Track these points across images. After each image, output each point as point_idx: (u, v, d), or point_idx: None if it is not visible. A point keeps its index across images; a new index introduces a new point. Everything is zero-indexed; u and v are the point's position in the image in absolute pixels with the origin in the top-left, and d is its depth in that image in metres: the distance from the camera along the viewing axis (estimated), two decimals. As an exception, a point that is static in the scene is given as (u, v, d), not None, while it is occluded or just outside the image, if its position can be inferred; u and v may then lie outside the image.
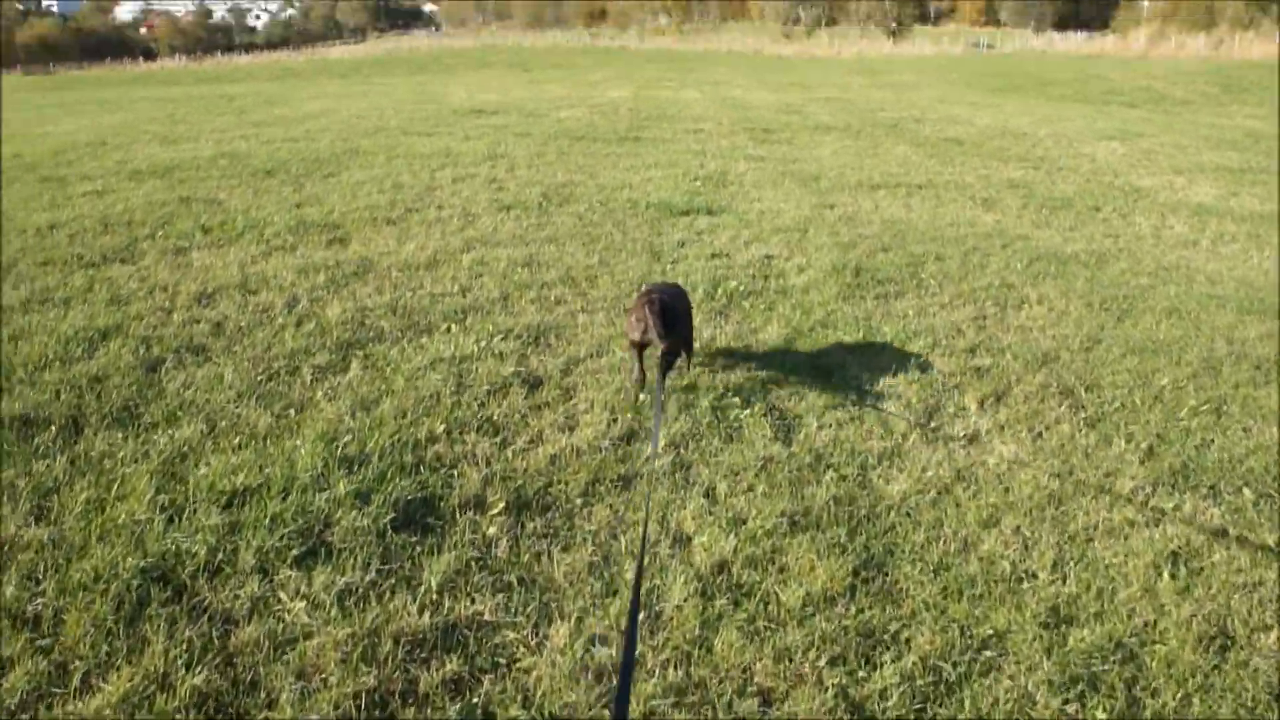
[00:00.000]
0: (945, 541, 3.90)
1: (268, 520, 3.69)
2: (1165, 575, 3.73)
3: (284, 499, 3.86)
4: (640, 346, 4.87)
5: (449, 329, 5.83)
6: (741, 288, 6.94)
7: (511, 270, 7.06)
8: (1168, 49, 57.01)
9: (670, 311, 4.69)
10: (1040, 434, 4.93)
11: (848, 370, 5.58)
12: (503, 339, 5.70)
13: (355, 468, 4.15)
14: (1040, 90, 38.08)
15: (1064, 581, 3.69)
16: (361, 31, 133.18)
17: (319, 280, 6.63)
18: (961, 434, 4.86)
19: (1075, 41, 68.89)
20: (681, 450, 4.50)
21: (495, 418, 4.72)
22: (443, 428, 4.57)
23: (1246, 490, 4.42)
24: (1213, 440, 4.91)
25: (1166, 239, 10.00)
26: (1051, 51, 64.91)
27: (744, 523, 3.93)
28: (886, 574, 3.68)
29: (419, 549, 3.65)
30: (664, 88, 30.05)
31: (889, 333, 6.20)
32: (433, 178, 10.79)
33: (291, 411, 4.69)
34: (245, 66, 69.85)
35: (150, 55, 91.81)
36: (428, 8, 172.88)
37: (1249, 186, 13.75)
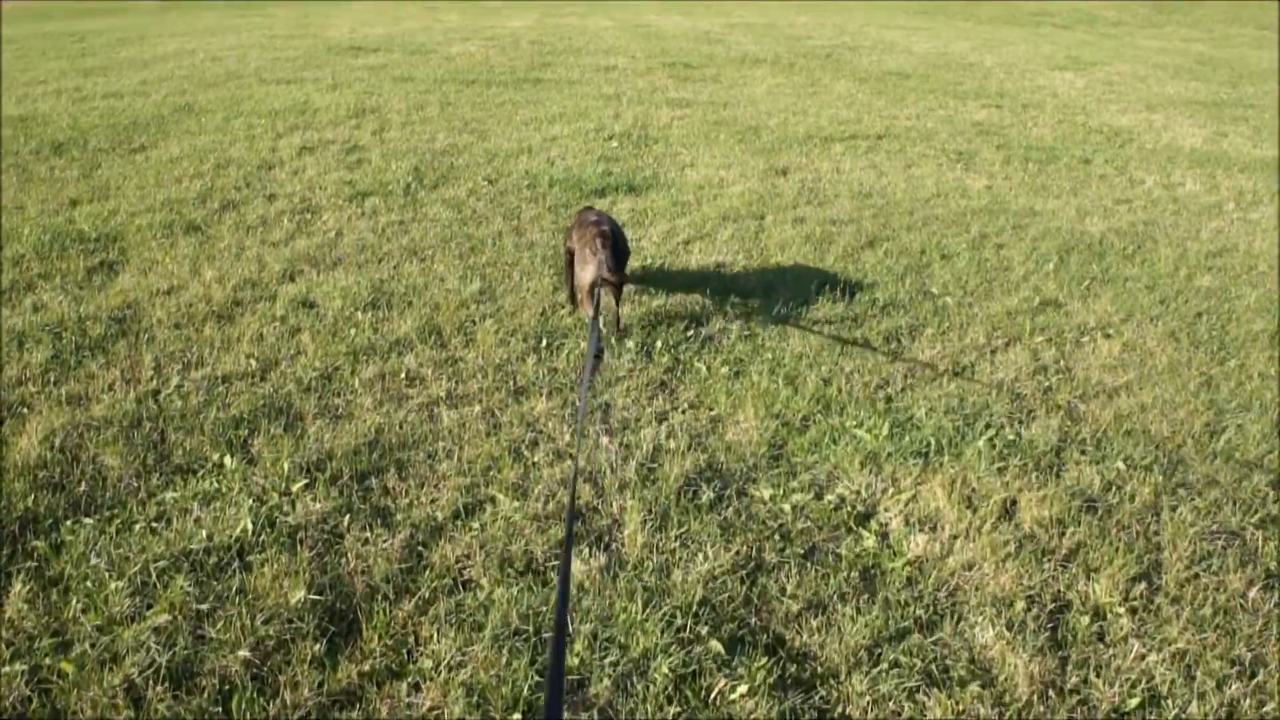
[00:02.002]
0: None
1: None
2: None
3: None
4: (594, 285, 4.39)
5: (217, 465, 3.46)
6: (688, 335, 4.67)
7: (346, 318, 4.71)
8: (1091, -35, 55.15)
9: (621, 244, 4.58)
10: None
11: (884, 530, 3.35)
12: (306, 484, 3.36)
13: None
14: (968, 11, 36.03)
15: None
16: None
17: (33, 360, 4.19)
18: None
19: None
20: None
21: None
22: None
23: None
24: None
25: (1185, 203, 8.22)
26: (970, -32, 62.69)
27: None
28: None
29: None
30: (570, 15, 27.21)
31: (922, 417, 4.01)
32: (274, 148, 8.26)
33: None
34: (126, -4, 64.69)
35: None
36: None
37: (1231, 124, 12.40)
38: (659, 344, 4.61)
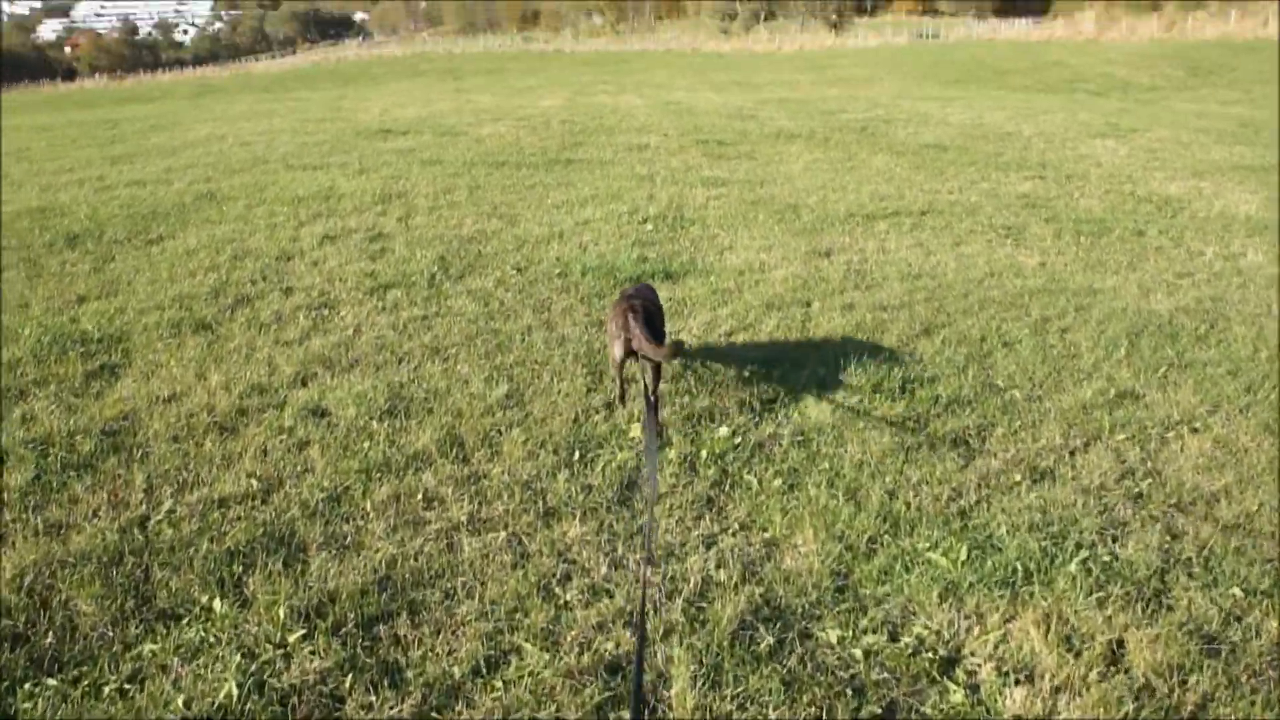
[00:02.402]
0: None
1: None
2: None
3: None
4: (623, 362, 4.35)
5: (205, 610, 3.03)
6: (735, 442, 4.22)
7: (360, 428, 4.30)
8: (1119, 32, 55.25)
9: (654, 317, 4.41)
10: None
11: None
12: (305, 634, 2.93)
13: None
14: (999, 80, 35.92)
15: None
16: (291, 43, 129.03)
17: (13, 483, 3.81)
18: None
19: (1021, 28, 66.97)
20: None
21: None
22: None
23: None
24: None
25: (1250, 275, 7.76)
26: (998, 39, 63.01)
27: None
28: None
29: None
30: (601, 93, 27.24)
31: (1003, 536, 3.53)
32: (295, 237, 7.95)
33: None
34: (166, 84, 65.87)
35: (71, 75, 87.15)
36: (358, 15, 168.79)
37: None
38: (704, 454, 4.16)
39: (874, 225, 9.04)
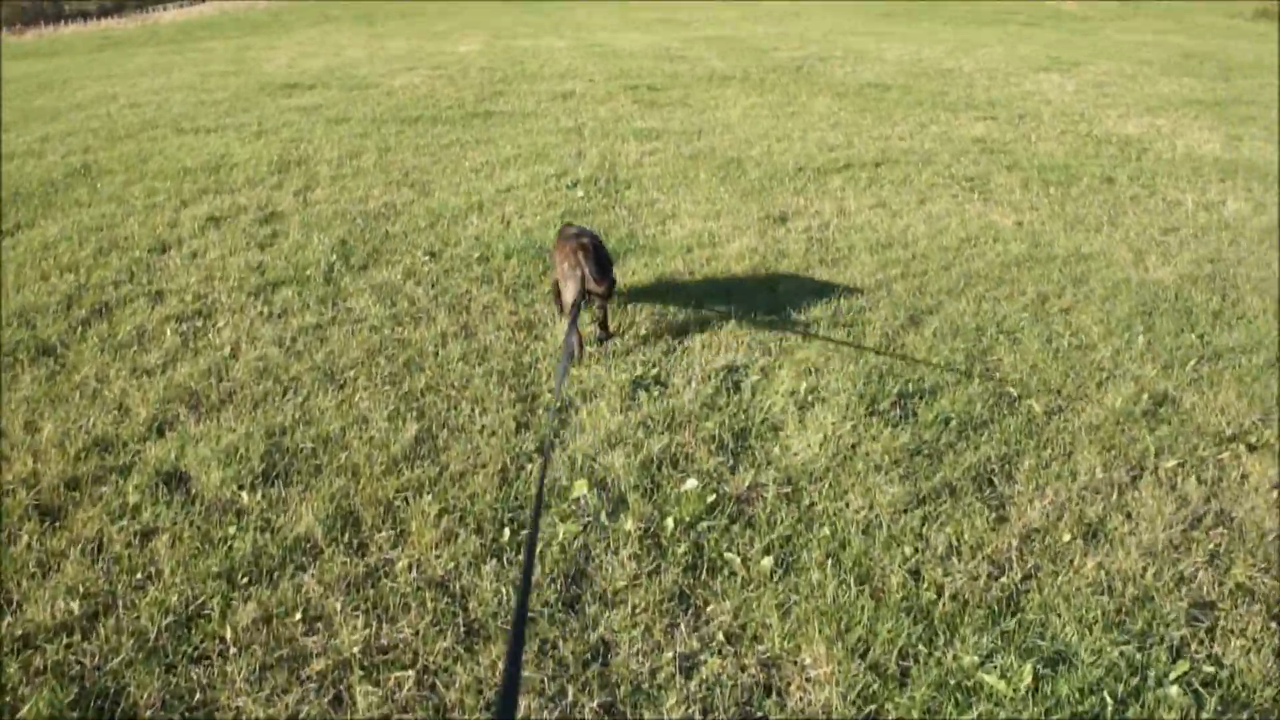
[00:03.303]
0: None
1: None
2: None
3: None
4: (577, 304, 4.30)
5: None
6: (708, 501, 3.31)
7: (225, 505, 3.30)
8: (1044, -41, 54.44)
9: (602, 253, 4.51)
10: None
11: None
12: None
13: None
14: (930, 11, 34.98)
15: None
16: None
17: None
18: None
19: (945, -44, 65.81)
20: None
21: None
22: None
23: None
24: None
25: (1237, 229, 7.19)
26: (923, -32, 61.93)
27: None
28: None
29: None
30: (521, 35, 25.81)
31: (1072, 642, 2.71)
32: (175, 221, 6.84)
33: None
34: (67, 38, 62.26)
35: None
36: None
37: (1241, 126, 11.51)
38: (670, 523, 3.22)
39: (828, 181, 8.16)
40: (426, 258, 6.00)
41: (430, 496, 3.37)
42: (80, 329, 4.93)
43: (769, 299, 5.30)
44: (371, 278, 5.65)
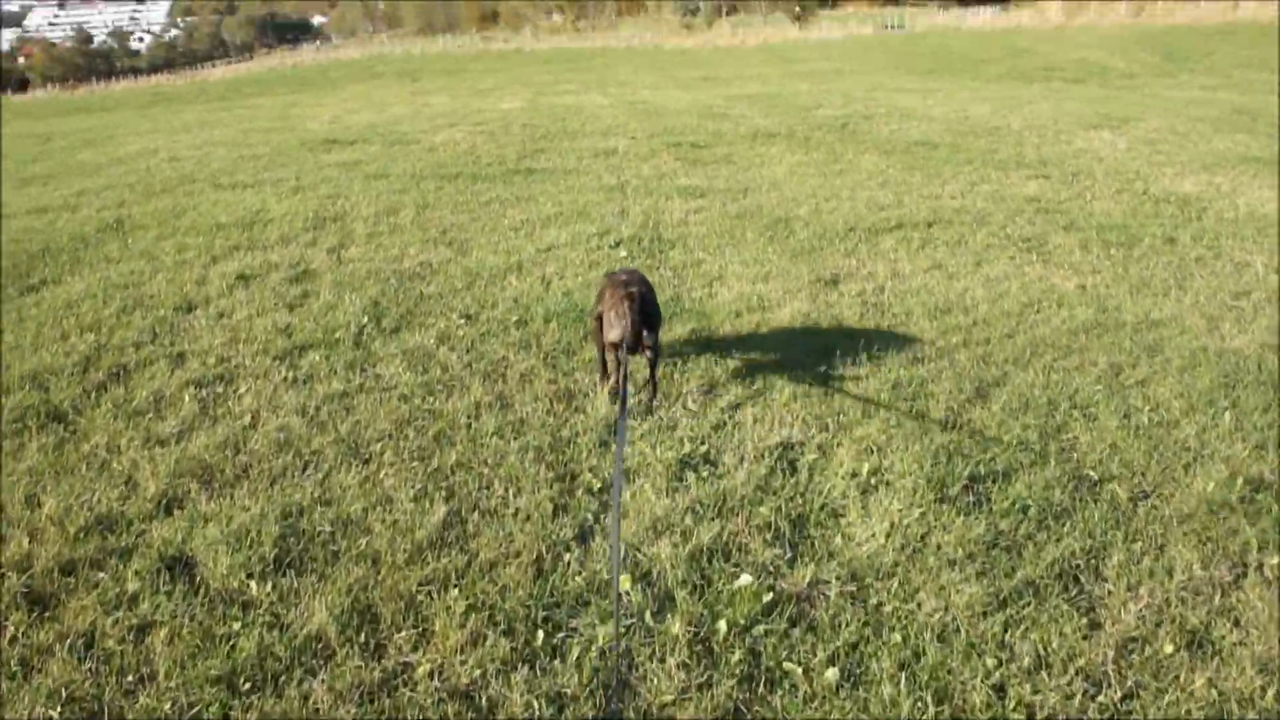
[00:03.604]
0: None
1: None
2: None
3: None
4: (615, 347, 4.19)
5: None
6: (765, 602, 2.97)
7: (231, 596, 3.03)
8: (1087, 18, 54.43)
9: (649, 304, 4.28)
10: None
11: None
12: None
13: None
14: (973, 70, 34.87)
15: None
16: (249, 49, 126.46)
17: None
18: None
19: (986, 17, 65.96)
20: None
21: None
22: None
23: None
24: None
25: None
26: (965, 28, 62.10)
27: None
28: None
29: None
30: (563, 93, 25.87)
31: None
32: (203, 279, 6.63)
33: None
34: (119, 94, 63.56)
35: (24, 86, 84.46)
36: (317, 20, 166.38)
37: None
38: (723, 626, 2.87)
39: (879, 241, 7.84)
40: (462, 320, 5.74)
41: (457, 590, 3.05)
42: (95, 393, 4.68)
43: (824, 368, 4.97)
44: (404, 341, 5.38)
